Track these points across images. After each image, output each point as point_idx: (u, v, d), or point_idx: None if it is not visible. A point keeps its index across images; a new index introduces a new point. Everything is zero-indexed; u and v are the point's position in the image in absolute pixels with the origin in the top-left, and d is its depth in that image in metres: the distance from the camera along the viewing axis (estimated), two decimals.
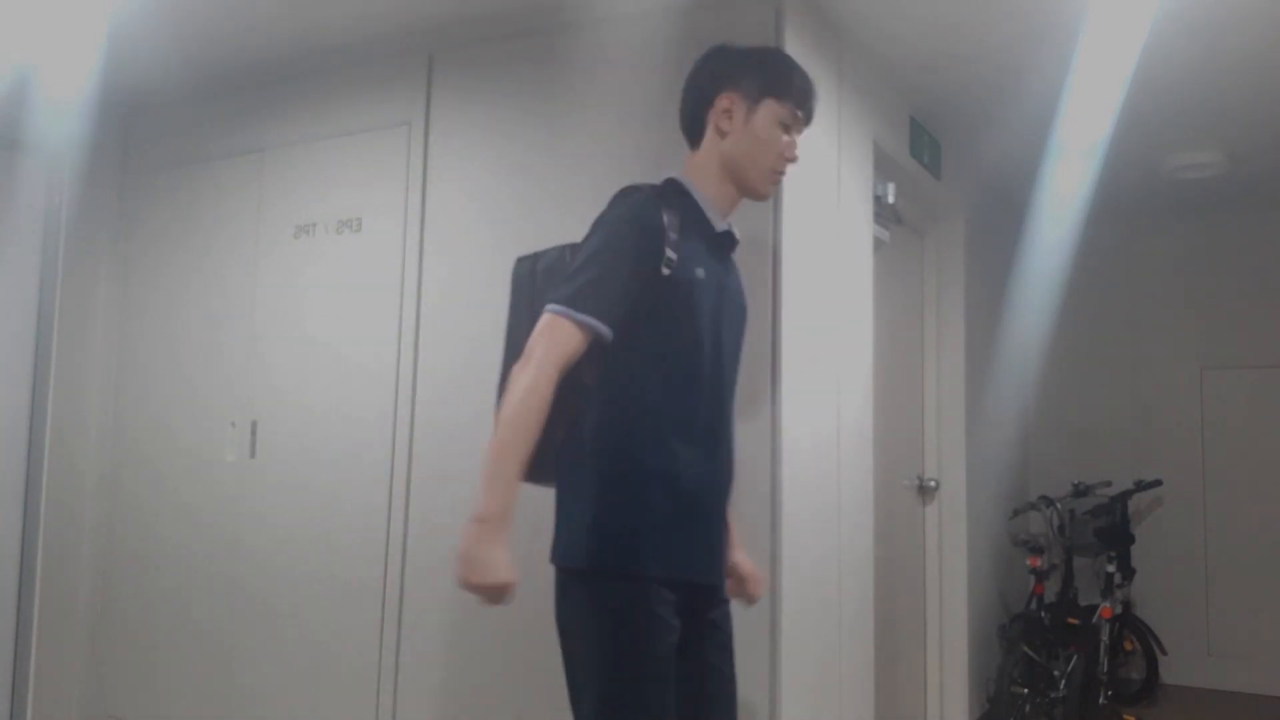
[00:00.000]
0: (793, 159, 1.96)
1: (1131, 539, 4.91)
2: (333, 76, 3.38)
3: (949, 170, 4.14)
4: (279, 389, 3.37)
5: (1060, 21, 2.98)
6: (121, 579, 3.64)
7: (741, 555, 2.10)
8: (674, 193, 1.89)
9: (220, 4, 3.01)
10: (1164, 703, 4.81)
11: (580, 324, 1.71)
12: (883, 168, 3.44)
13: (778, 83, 1.92)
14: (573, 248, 1.91)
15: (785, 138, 1.93)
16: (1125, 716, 4.43)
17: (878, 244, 3.48)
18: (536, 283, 1.93)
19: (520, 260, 2.00)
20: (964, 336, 4.24)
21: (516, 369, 1.70)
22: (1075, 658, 4.23)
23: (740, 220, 2.74)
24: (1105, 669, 4.35)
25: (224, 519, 3.42)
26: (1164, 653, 4.72)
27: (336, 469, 3.22)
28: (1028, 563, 4.48)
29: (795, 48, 2.78)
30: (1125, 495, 4.89)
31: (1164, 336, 5.37)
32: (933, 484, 4.13)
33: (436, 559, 3.02)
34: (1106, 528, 4.77)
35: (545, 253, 1.96)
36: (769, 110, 1.91)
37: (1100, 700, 4.32)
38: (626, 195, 1.84)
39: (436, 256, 3.13)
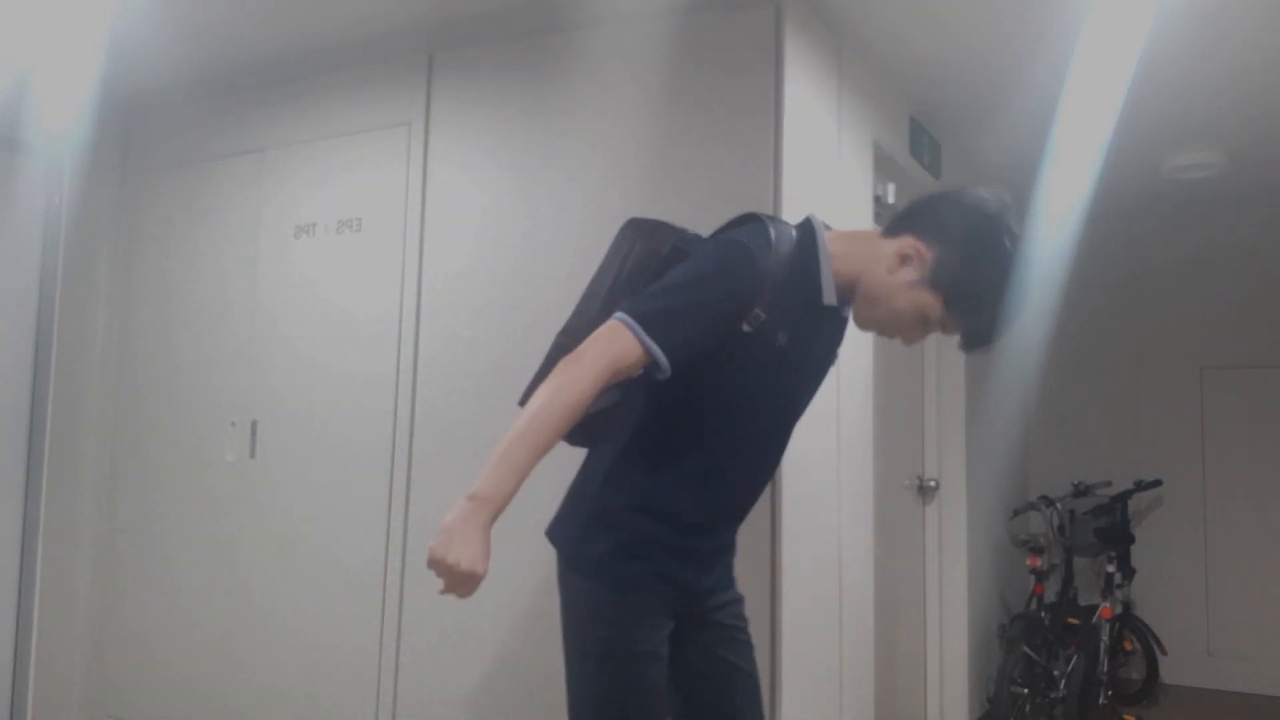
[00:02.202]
0: (915, 341, 1.75)
1: (1131, 539, 4.91)
2: (333, 76, 3.39)
3: (949, 170, 4.14)
4: (279, 389, 3.37)
5: (1060, 21, 2.98)
6: (121, 579, 3.64)
7: None
8: (797, 242, 1.71)
9: (220, 4, 3.01)
10: (1164, 703, 4.81)
11: (645, 346, 1.59)
12: (883, 168, 3.44)
13: (962, 275, 1.66)
14: (693, 239, 1.82)
15: (916, 326, 1.71)
16: (1125, 716, 4.43)
17: None
18: (635, 249, 1.83)
19: (632, 222, 1.88)
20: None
21: (564, 362, 1.59)
22: (1075, 658, 4.23)
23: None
24: (1105, 669, 4.36)
25: (224, 519, 3.42)
26: (1164, 653, 4.72)
27: (336, 469, 3.22)
28: (1028, 563, 4.48)
29: (795, 48, 2.78)
30: (1125, 495, 4.89)
31: (1164, 336, 5.37)
32: (933, 484, 4.13)
33: None
34: (1106, 528, 4.77)
35: (660, 227, 1.85)
36: (927, 299, 1.67)
37: (1100, 700, 4.32)
38: (743, 229, 1.71)
39: (436, 256, 3.13)
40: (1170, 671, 4.91)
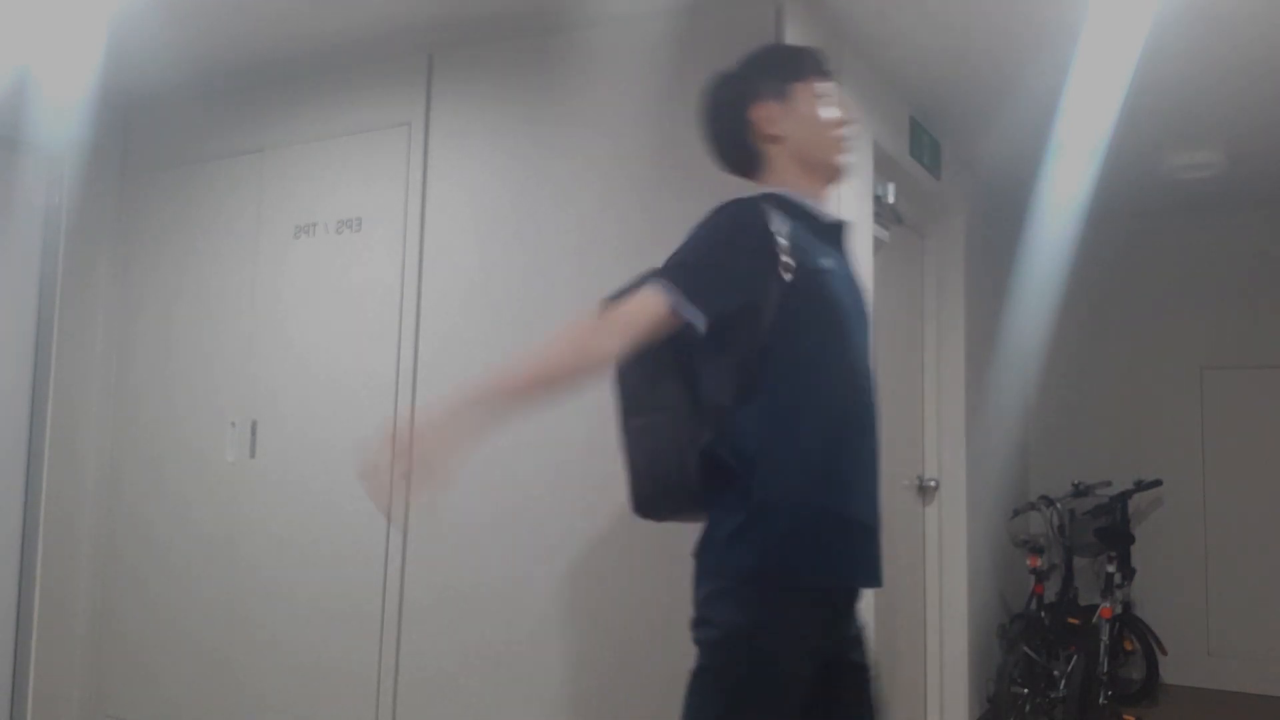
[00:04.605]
0: (848, 119, 1.90)
1: (1131, 539, 4.91)
2: (333, 76, 3.39)
3: (949, 170, 4.14)
4: (279, 389, 3.37)
5: (1060, 21, 2.98)
6: (121, 579, 3.64)
7: None
8: (773, 198, 1.81)
9: (220, 4, 3.01)
10: (1164, 703, 4.80)
11: (673, 301, 1.63)
12: (883, 168, 3.44)
13: (790, 69, 1.88)
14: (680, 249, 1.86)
15: (828, 106, 1.89)
16: (1125, 716, 4.43)
17: (878, 244, 3.48)
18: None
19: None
20: (964, 336, 4.24)
21: (591, 318, 1.64)
22: (1075, 658, 4.23)
23: None
24: (1105, 669, 4.35)
25: (224, 519, 3.42)
26: (1164, 653, 4.72)
27: (336, 469, 3.22)
28: (1028, 563, 4.48)
29: None
30: (1125, 495, 4.89)
31: (1164, 336, 5.37)
32: (933, 484, 4.13)
33: (437, 557, 3.02)
34: (1106, 528, 4.77)
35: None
36: (800, 94, 1.86)
37: (1100, 700, 4.32)
38: (725, 203, 1.77)
39: (436, 256, 3.13)
40: (1170, 671, 4.91)
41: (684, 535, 2.78)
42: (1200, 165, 4.29)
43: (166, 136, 3.76)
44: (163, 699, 3.49)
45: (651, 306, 1.64)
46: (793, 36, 2.74)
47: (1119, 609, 4.65)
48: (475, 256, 3.06)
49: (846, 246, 1.90)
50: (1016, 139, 4.04)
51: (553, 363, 1.61)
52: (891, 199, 3.52)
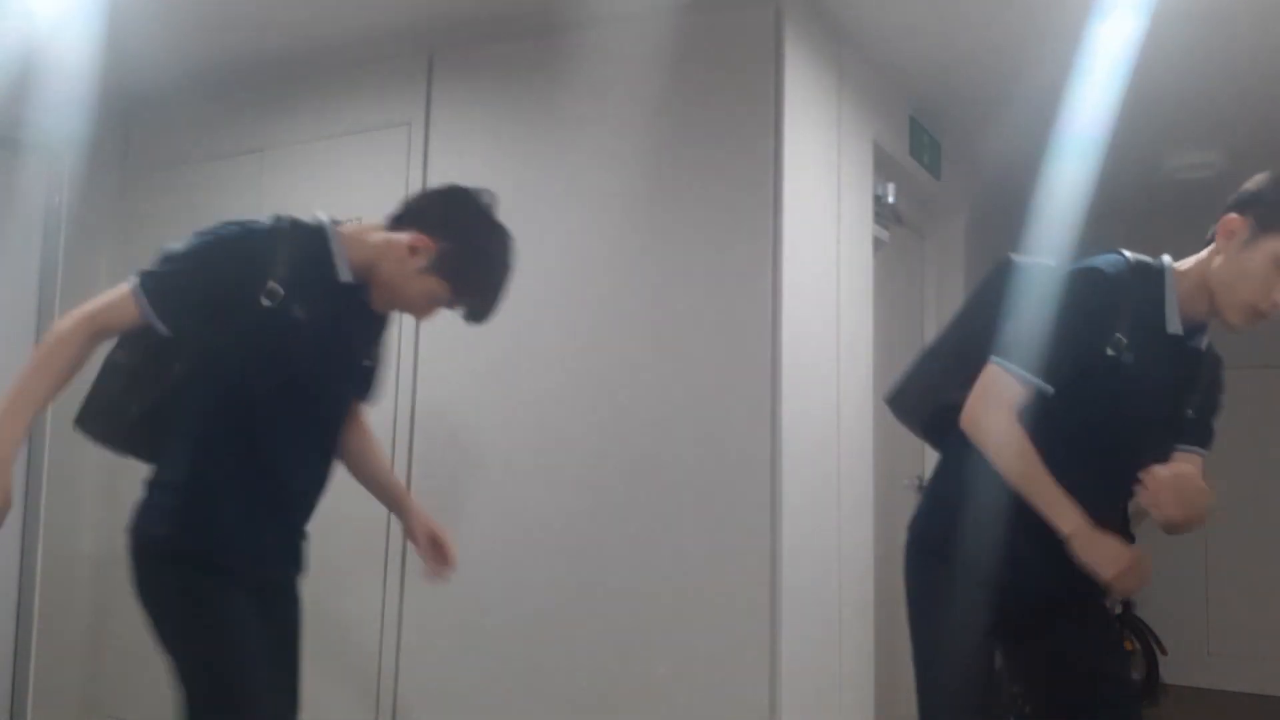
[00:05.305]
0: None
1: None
2: (333, 76, 3.38)
3: (949, 170, 4.14)
4: None
5: (1060, 21, 2.98)
6: (121, 579, 3.62)
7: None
8: (1142, 277, 1.87)
9: (221, 3, 3.01)
10: (1164, 703, 4.80)
11: (1024, 381, 1.77)
12: (883, 168, 3.44)
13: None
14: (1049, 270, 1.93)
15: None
16: None
17: (878, 244, 3.48)
18: (1006, 294, 1.93)
19: (1008, 263, 2.01)
20: None
21: (977, 412, 1.79)
22: None
23: (738, 216, 2.75)
24: None
25: None
26: (1164, 652, 4.72)
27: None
28: None
29: (795, 48, 2.78)
30: None
31: None
32: None
33: None
34: None
35: (1033, 267, 1.98)
36: (1271, 247, 1.80)
37: None
38: (1101, 259, 1.85)
39: None
40: (1170, 671, 4.91)
41: (676, 540, 2.78)
42: (1200, 165, 4.29)
43: (166, 136, 3.76)
44: (163, 699, 3.48)
45: (1007, 390, 1.78)
46: (792, 37, 2.74)
47: (1119, 609, 4.65)
48: None
49: (1180, 360, 1.90)
50: (1016, 138, 4.04)
51: (1023, 479, 1.77)
52: (891, 199, 3.53)
